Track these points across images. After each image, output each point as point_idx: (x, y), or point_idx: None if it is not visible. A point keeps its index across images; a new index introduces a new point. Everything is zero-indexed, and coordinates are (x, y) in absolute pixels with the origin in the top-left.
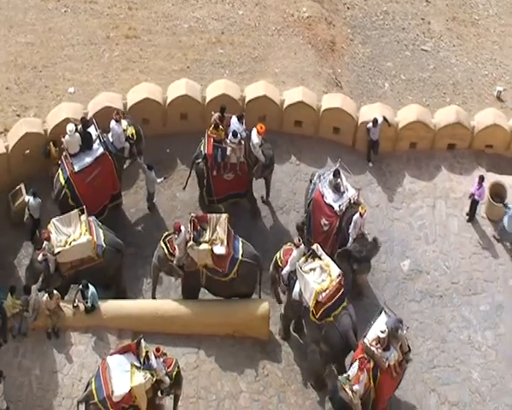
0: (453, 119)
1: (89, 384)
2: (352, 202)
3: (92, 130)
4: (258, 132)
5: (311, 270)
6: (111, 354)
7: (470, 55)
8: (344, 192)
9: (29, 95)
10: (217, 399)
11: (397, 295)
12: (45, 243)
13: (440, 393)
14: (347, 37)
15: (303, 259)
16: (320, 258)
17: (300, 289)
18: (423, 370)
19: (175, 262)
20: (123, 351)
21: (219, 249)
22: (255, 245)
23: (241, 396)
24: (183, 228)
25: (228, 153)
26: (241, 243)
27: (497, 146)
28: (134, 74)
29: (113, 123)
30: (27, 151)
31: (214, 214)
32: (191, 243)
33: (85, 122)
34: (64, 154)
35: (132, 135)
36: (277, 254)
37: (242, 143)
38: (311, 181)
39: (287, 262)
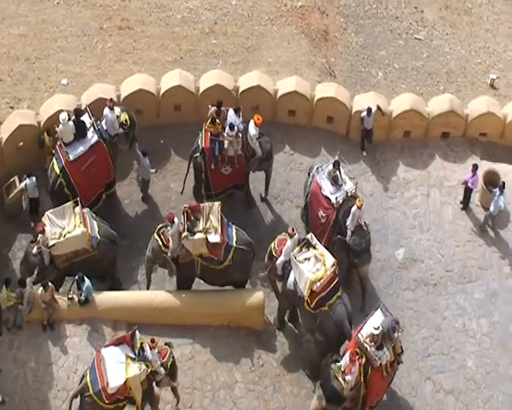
0: (447, 107)
1: (84, 377)
2: (349, 194)
3: (86, 118)
4: (255, 124)
5: (305, 259)
6: (106, 346)
7: (463, 43)
8: (342, 185)
9: (22, 87)
10: (212, 389)
11: (391, 284)
12: (39, 235)
13: (435, 381)
14: (340, 26)
15: (297, 248)
16: (314, 247)
17: (295, 279)
18: (418, 358)
19: (169, 254)
20: (118, 343)
21: (214, 238)
22: (250, 235)
23: (237, 387)
24: (176, 219)
25: (225, 146)
26: (234, 231)
27: (491, 134)
28: (127, 65)
29: (106, 110)
30: (21, 143)
31: (207, 203)
32: (186, 233)
33: (79, 111)
34: (58, 143)
35: (126, 121)
36: (272, 245)
37: (240, 135)
38: (309, 174)
39: (281, 252)
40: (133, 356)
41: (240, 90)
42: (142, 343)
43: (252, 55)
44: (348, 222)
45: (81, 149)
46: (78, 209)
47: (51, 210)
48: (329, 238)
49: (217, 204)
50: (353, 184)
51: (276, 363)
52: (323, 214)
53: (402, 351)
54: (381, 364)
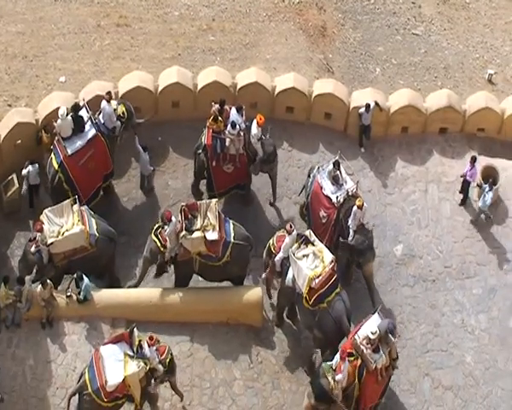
0: (445, 102)
1: (82, 375)
2: (349, 194)
3: (83, 113)
4: (257, 123)
5: (303, 256)
6: (104, 344)
7: (461, 38)
8: (342, 184)
9: (20, 85)
10: (211, 386)
11: (390, 280)
12: (38, 234)
13: (434, 377)
14: (338, 22)
15: (296, 245)
16: (313, 244)
17: (293, 276)
18: (417, 354)
19: (167, 254)
20: (116, 340)
21: (212, 235)
22: (248, 232)
23: (236, 384)
24: (173, 218)
25: (227, 144)
26: (232, 226)
27: (489, 129)
28: (125, 63)
29: (103, 103)
30: (19, 141)
31: (204, 201)
32: (184, 232)
33: (77, 105)
34: (56, 138)
35: (123, 113)
36: (270, 241)
37: (242, 134)
38: (309, 175)
39: (280, 249)
40: (131, 354)
41: (238, 87)
42: (140, 341)
43: (250, 52)
44: (350, 222)
45: (79, 143)
46: (76, 207)
47: (49, 208)
48: (331, 238)
49: (214, 201)
50: (354, 184)
51: (274, 360)
52: (324, 214)
53: (397, 357)
54: (376, 367)
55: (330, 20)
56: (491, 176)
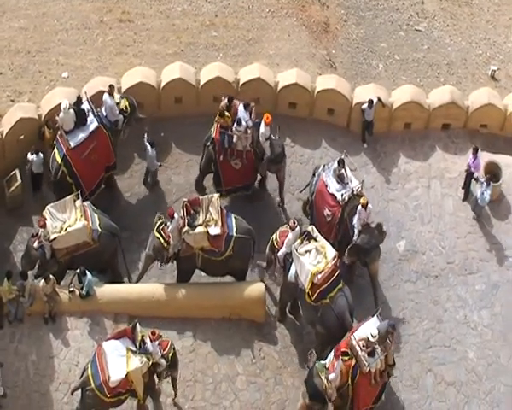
0: (447, 99)
1: (85, 370)
2: (354, 192)
3: (85, 105)
4: (264, 122)
5: (306, 252)
6: (106, 340)
7: (464, 34)
8: (348, 183)
9: (23, 80)
10: (213, 382)
11: (392, 276)
12: (40, 230)
13: (437, 373)
14: (341, 18)
15: (298, 241)
16: (315, 240)
17: (296, 272)
18: (419, 350)
19: (170, 250)
20: (118, 336)
21: (214, 230)
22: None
23: (238, 379)
24: (175, 215)
25: (234, 140)
26: (233, 220)
27: (492, 125)
28: (128, 58)
29: (105, 96)
30: (22, 137)
31: (206, 196)
32: (186, 228)
33: (79, 99)
34: (59, 132)
35: (126, 108)
36: (273, 236)
37: (249, 132)
38: (314, 173)
39: (283, 244)
40: (134, 349)
41: (240, 83)
42: (142, 336)
43: (252, 48)
44: (355, 221)
45: (82, 135)
46: (78, 202)
47: (52, 204)
48: (335, 237)
49: (216, 196)
50: (359, 183)
51: (277, 355)
52: (329, 212)
53: (394, 363)
54: (369, 370)
55: (333, 16)
56: (493, 172)
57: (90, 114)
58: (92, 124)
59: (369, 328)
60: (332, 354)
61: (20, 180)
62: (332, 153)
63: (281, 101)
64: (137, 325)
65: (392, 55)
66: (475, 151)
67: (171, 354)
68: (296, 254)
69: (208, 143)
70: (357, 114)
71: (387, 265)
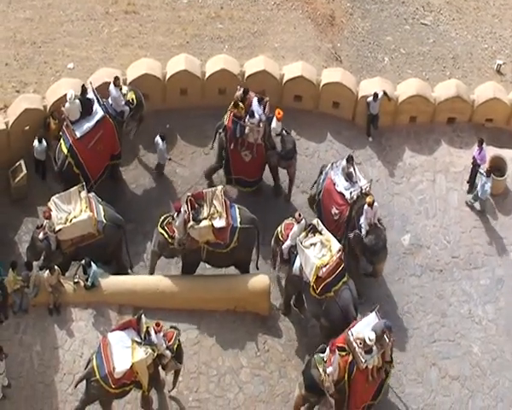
0: (453, 92)
1: (90, 361)
2: (363, 191)
3: (91, 95)
4: (276, 118)
5: (311, 245)
6: (111, 331)
7: (470, 28)
8: (356, 181)
9: (28, 71)
10: (218, 374)
11: (397, 270)
12: (46, 221)
13: (441, 367)
14: (347, 11)
15: (303, 234)
16: (320, 233)
17: (301, 265)
18: (424, 344)
19: (176, 244)
20: (123, 327)
21: (219, 223)
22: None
23: (242, 371)
24: (182, 209)
25: (246, 131)
26: (237, 210)
27: (497, 120)
28: (133, 50)
29: (111, 86)
30: (27, 127)
31: (209, 189)
32: (191, 223)
33: (84, 88)
34: (65, 123)
35: (132, 100)
36: (278, 229)
37: (261, 125)
38: (321, 171)
39: (288, 236)
40: (139, 340)
41: (246, 75)
42: (147, 327)
43: (258, 40)
44: (362, 221)
45: (87, 125)
46: (83, 194)
47: (57, 195)
48: (343, 235)
49: (220, 188)
50: (368, 182)
51: (281, 348)
52: (336, 211)
53: (391, 360)
54: (366, 367)
55: (339, 9)
56: (499, 166)
57: (96, 103)
58: (98, 114)
59: (366, 327)
60: (329, 348)
61: (25, 171)
62: (337, 146)
63: (286, 93)
64: (142, 316)
65: (397, 48)
66: (480, 143)
67: (176, 346)
68: (301, 247)
69: (220, 131)
70: (363, 107)
71: (392, 258)
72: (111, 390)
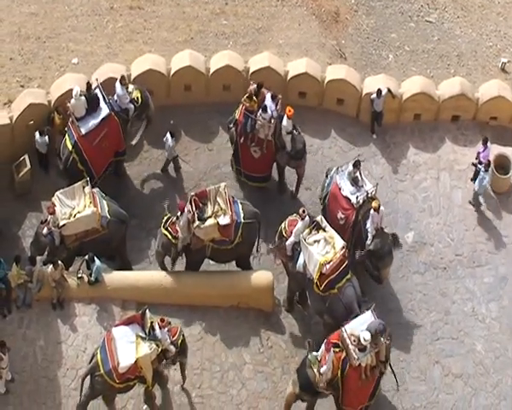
0: (457, 90)
1: (94, 356)
2: (369, 196)
3: (97, 92)
4: (286, 115)
5: (315, 242)
6: (116, 326)
7: (475, 26)
8: (362, 186)
9: (33, 66)
10: (221, 370)
11: (401, 267)
12: (50, 216)
13: (444, 365)
14: (351, 8)
15: (307, 230)
16: (324, 230)
17: (304, 261)
18: (427, 342)
19: (179, 244)
20: (128, 322)
21: (224, 220)
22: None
23: (245, 368)
24: (186, 208)
25: (257, 126)
26: (240, 206)
27: (502, 118)
28: (138, 45)
29: (117, 84)
30: (31, 122)
31: (212, 187)
32: (197, 222)
33: (89, 85)
34: (70, 119)
35: (137, 98)
36: (282, 225)
37: (273, 122)
38: (327, 175)
39: (291, 233)
40: (143, 335)
41: (250, 72)
42: (152, 323)
43: (262, 37)
44: (368, 225)
45: (93, 122)
46: (87, 189)
47: (61, 190)
48: (349, 240)
49: (223, 185)
50: (373, 186)
51: (284, 345)
52: (342, 216)
53: (386, 360)
54: (360, 365)
55: (343, 5)
56: (503, 164)
57: (101, 100)
58: (103, 111)
59: (361, 325)
60: (323, 346)
61: (29, 166)
62: (341, 143)
63: (290, 90)
64: (147, 311)
65: (402, 45)
66: (485, 141)
67: (180, 341)
68: (305, 244)
69: (231, 126)
70: (367, 104)
71: (396, 256)
72: (115, 385)
